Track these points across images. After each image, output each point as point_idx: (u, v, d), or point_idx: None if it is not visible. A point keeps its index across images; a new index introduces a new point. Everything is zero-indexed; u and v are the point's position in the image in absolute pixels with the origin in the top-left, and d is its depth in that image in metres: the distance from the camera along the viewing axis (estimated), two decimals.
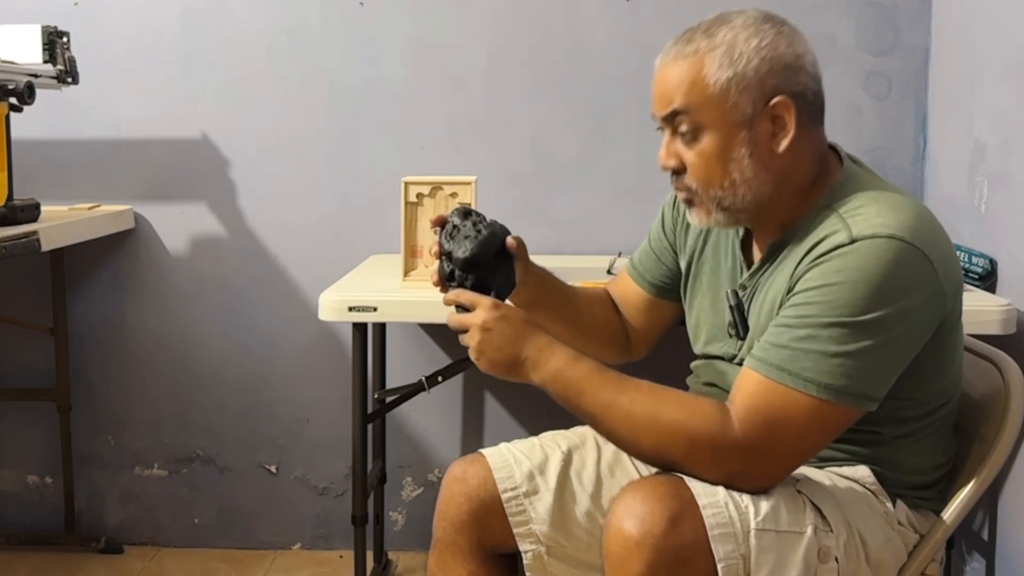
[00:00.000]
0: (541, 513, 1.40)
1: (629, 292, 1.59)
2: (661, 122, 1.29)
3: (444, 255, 1.38)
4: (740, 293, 1.34)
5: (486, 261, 1.35)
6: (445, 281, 1.38)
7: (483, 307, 1.30)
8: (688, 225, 1.47)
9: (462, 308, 1.34)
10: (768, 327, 1.21)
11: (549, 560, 1.40)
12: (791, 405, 1.14)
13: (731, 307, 1.34)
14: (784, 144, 1.24)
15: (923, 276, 1.15)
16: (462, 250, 1.34)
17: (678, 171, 1.28)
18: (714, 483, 1.15)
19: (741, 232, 1.37)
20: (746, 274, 1.34)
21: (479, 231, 1.35)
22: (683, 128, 1.25)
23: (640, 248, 1.59)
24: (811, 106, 1.26)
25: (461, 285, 1.35)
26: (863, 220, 1.17)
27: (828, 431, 1.17)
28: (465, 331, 1.31)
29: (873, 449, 1.27)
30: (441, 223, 1.41)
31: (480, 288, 1.35)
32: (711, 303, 1.42)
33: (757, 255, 1.34)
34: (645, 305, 1.57)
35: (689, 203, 1.30)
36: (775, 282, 1.26)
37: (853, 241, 1.15)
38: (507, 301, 1.38)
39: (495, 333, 1.28)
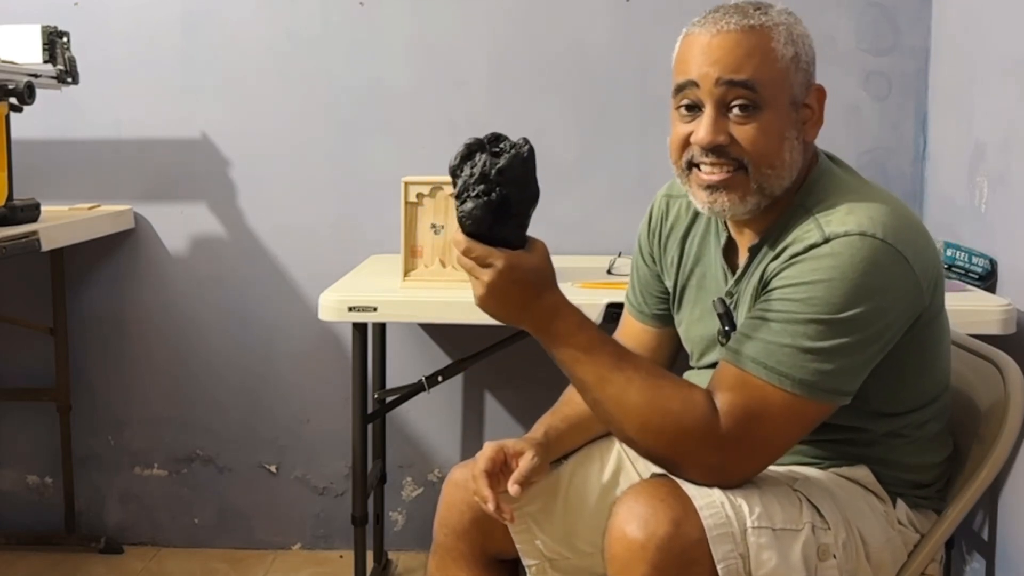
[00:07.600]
0: (545, 528, 1.39)
1: (642, 336, 1.51)
2: (711, 92, 1.19)
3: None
4: (727, 301, 1.32)
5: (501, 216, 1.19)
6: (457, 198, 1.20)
7: (494, 268, 1.15)
8: (666, 245, 1.43)
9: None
10: (744, 320, 1.21)
11: (553, 574, 1.41)
12: (767, 400, 1.14)
13: (720, 315, 1.32)
14: (814, 133, 1.24)
15: (898, 273, 1.15)
16: (469, 208, 1.17)
17: (721, 147, 1.20)
18: (690, 478, 1.14)
19: (723, 240, 1.34)
20: (731, 281, 1.32)
21: (488, 191, 1.20)
22: (741, 101, 1.18)
23: (632, 290, 1.52)
24: None
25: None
26: (835, 218, 1.16)
27: (801, 426, 1.17)
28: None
29: (869, 449, 1.26)
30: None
31: (499, 222, 1.19)
32: (700, 315, 1.39)
33: (741, 261, 1.31)
34: (656, 341, 1.50)
35: (723, 186, 1.21)
36: (752, 283, 1.26)
37: (827, 240, 1.15)
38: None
39: (498, 298, 1.16)
